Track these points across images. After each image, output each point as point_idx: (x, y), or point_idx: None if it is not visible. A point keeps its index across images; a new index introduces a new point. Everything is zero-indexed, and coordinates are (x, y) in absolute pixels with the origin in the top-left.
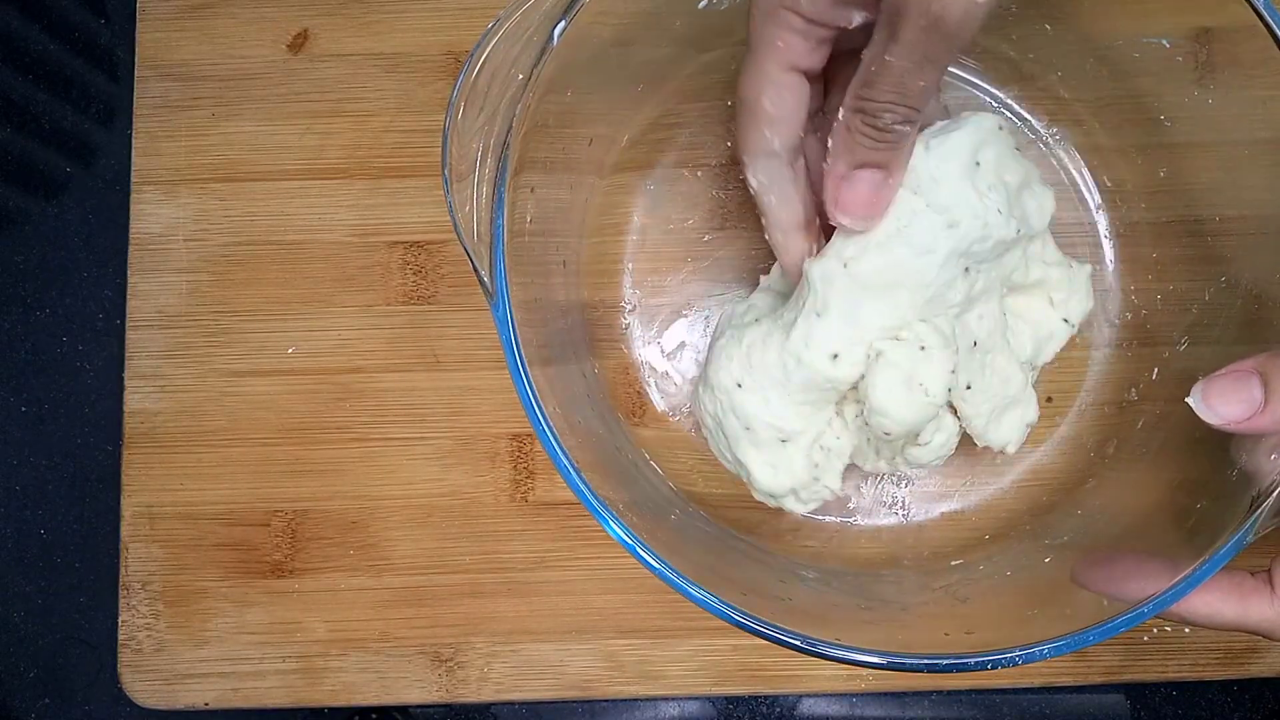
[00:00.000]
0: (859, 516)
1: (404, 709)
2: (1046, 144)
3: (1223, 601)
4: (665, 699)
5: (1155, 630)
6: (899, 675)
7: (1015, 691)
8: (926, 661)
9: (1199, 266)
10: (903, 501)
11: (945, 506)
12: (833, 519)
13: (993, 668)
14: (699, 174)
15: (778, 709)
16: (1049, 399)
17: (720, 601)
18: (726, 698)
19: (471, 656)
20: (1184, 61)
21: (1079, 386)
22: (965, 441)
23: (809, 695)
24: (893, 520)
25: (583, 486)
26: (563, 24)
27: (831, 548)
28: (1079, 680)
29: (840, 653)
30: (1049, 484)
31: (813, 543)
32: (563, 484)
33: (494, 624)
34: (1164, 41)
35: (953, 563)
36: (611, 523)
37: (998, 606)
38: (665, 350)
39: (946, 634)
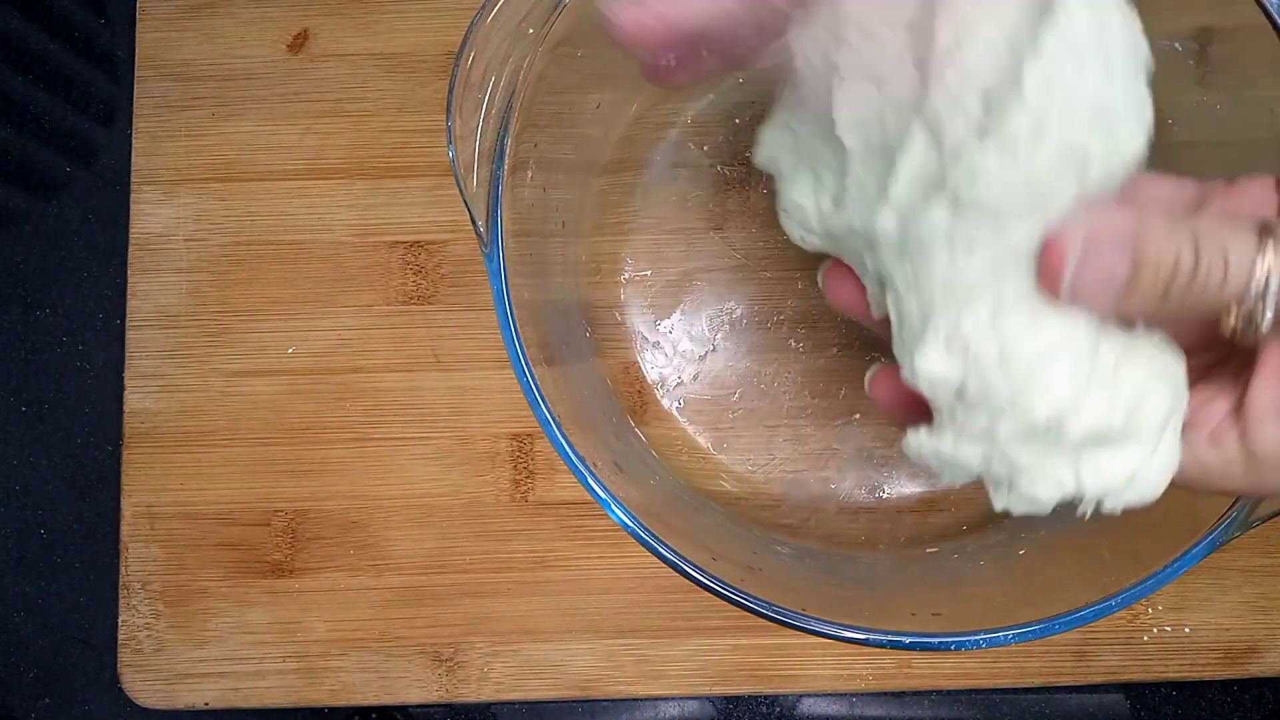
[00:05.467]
0: (839, 499)
1: (404, 709)
2: None
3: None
4: (665, 699)
5: (1155, 630)
6: (899, 675)
7: (1015, 691)
8: (889, 637)
9: None
10: (883, 488)
11: (925, 495)
12: (812, 499)
13: (955, 648)
14: (705, 149)
15: (778, 709)
16: None
17: (689, 563)
18: (726, 698)
19: (471, 656)
20: (1188, 62)
21: None
22: None
23: (809, 695)
24: (872, 505)
25: (551, 421)
26: None
27: (809, 527)
28: (1079, 680)
29: (800, 622)
30: None
31: (790, 520)
32: (563, 484)
33: (494, 624)
34: (1175, 45)
35: (928, 550)
36: (579, 465)
37: (968, 593)
38: (667, 345)
39: (913, 614)
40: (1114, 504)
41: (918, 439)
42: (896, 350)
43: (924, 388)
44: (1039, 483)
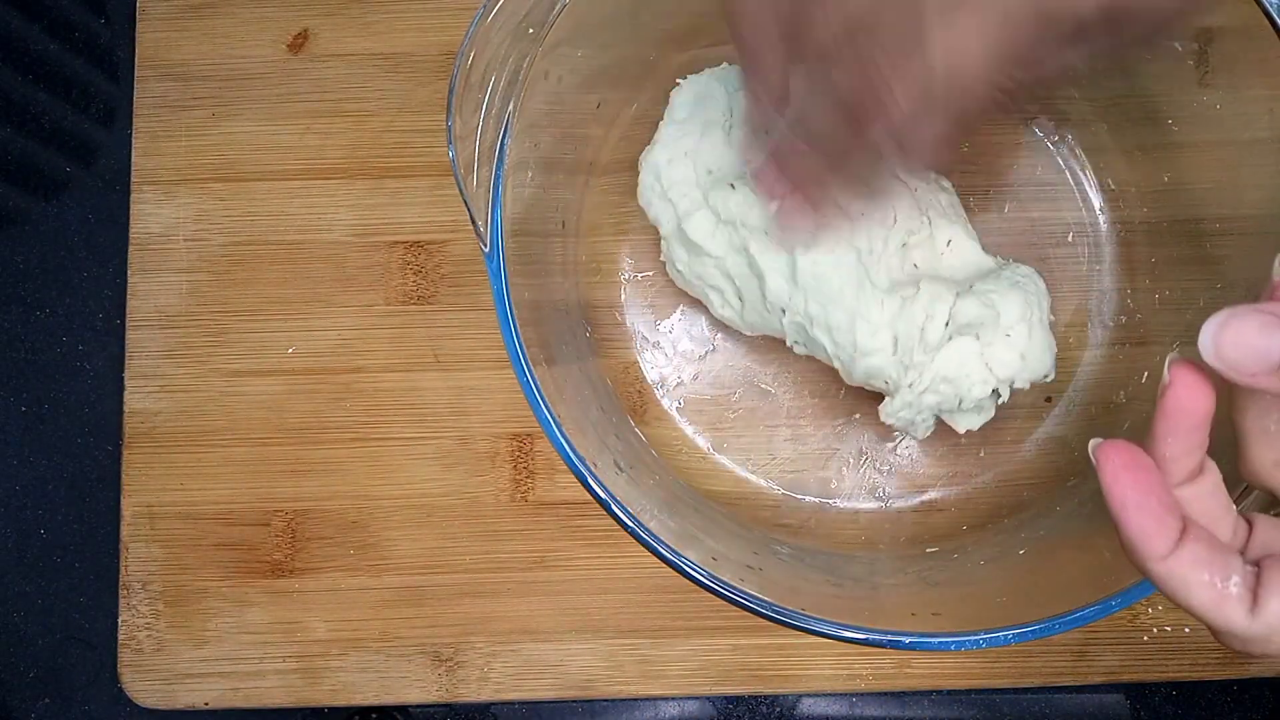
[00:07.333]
0: (839, 500)
1: (404, 709)
2: (1053, 143)
3: (1200, 587)
4: (665, 699)
5: (1155, 630)
6: (899, 675)
7: (1015, 691)
8: (889, 637)
9: (1197, 269)
10: (884, 489)
11: (926, 496)
12: (812, 499)
13: (955, 648)
14: None
15: (778, 709)
16: (1047, 398)
17: (689, 563)
18: (726, 698)
19: (471, 656)
20: (1189, 62)
21: (1068, 386)
22: (950, 433)
23: (809, 695)
24: (872, 506)
25: (551, 421)
26: None
27: (809, 527)
28: (1079, 680)
29: (800, 622)
30: (1031, 481)
31: (790, 520)
32: (563, 484)
33: (494, 624)
34: (1175, 44)
35: (928, 550)
36: (579, 465)
37: (967, 593)
38: (667, 345)
39: (913, 614)
40: (1021, 381)
41: (890, 406)
42: (847, 375)
43: (875, 376)
44: (975, 386)
